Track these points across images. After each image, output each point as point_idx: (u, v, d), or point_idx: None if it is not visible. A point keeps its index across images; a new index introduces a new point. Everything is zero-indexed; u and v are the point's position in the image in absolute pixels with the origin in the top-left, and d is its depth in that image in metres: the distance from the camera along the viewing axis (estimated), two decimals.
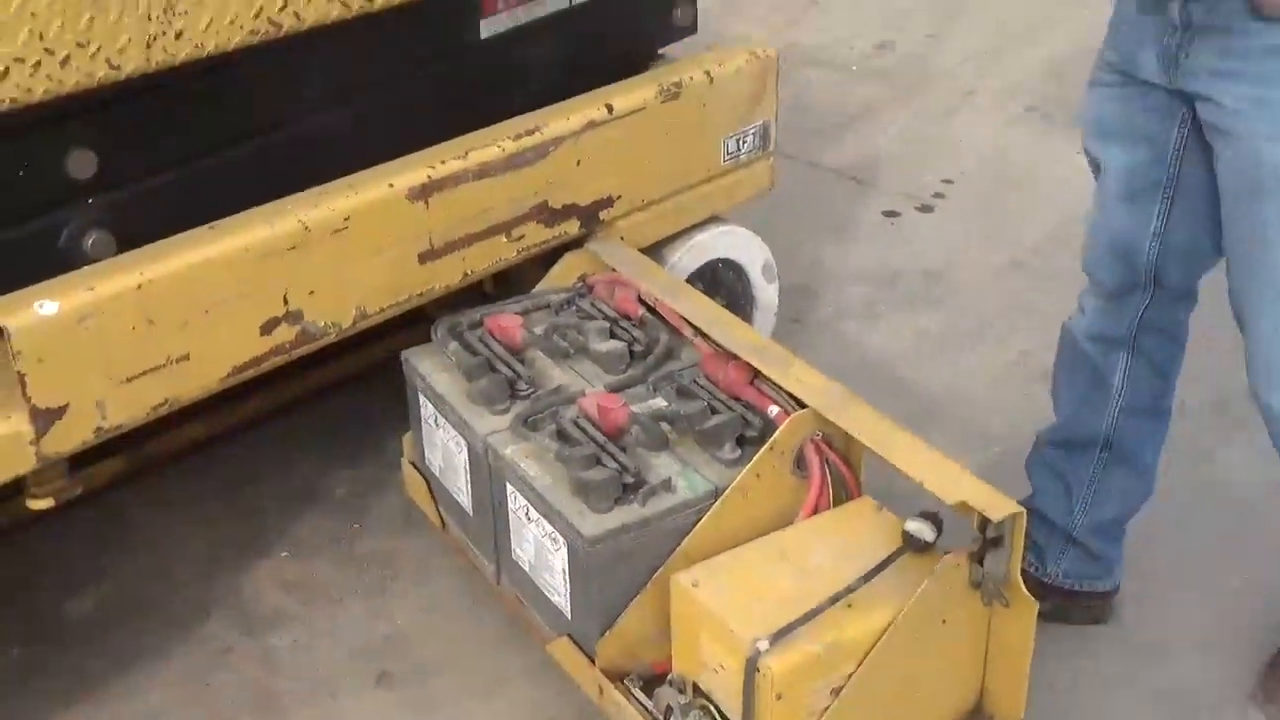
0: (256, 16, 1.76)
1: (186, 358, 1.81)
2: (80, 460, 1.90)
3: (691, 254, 2.45)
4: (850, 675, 1.65)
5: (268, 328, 1.88)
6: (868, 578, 1.70)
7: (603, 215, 2.26)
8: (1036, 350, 2.67)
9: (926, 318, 2.95)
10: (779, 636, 1.62)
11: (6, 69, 1.56)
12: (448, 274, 2.08)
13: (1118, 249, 1.94)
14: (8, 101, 1.58)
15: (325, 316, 1.94)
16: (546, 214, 2.17)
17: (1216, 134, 1.74)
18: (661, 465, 1.86)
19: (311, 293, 1.91)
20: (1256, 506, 2.36)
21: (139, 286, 1.73)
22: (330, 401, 2.55)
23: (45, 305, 1.67)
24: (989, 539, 1.67)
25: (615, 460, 1.82)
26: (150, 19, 1.66)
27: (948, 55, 4.28)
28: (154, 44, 1.68)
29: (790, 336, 2.78)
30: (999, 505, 1.67)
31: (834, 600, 1.67)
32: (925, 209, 3.41)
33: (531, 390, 1.98)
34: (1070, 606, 2.12)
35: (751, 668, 1.62)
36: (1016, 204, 3.35)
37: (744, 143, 2.45)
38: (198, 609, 2.18)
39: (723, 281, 2.57)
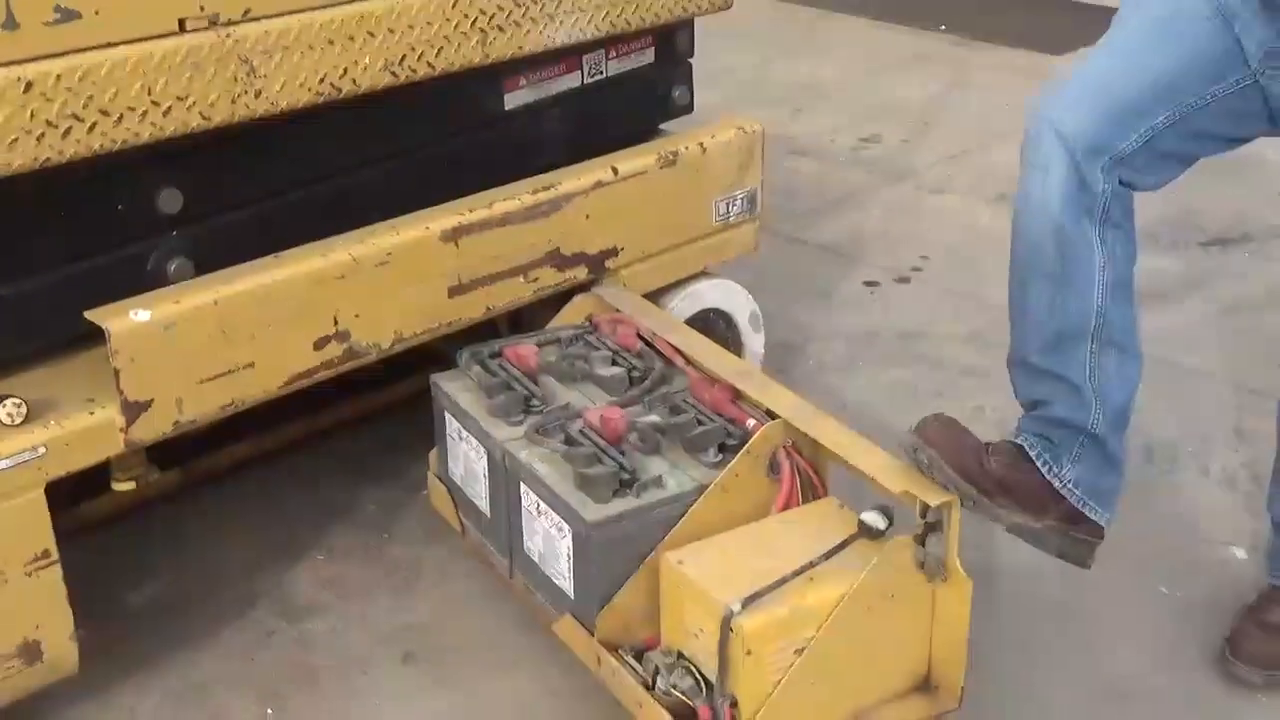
0: (321, 81, 2.11)
1: (251, 365, 2.12)
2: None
3: (686, 302, 2.78)
4: (811, 638, 1.94)
5: (319, 344, 2.20)
6: (828, 556, 1.99)
7: (608, 264, 2.59)
8: (989, 405, 2.97)
9: (899, 372, 3.26)
10: (750, 600, 1.91)
11: (121, 115, 1.90)
12: (472, 308, 2.40)
13: (1119, 100, 1.94)
14: (120, 143, 1.92)
15: (368, 337, 2.26)
16: (559, 260, 2.51)
17: None
18: (654, 466, 2.17)
19: (357, 316, 2.23)
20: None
21: (215, 302, 2.06)
22: (361, 431, 2.87)
23: (139, 313, 1.99)
24: (929, 523, 1.98)
25: (614, 460, 2.13)
26: (236, 80, 2.01)
27: (926, 151, 4.66)
28: (238, 100, 2.02)
29: (780, 375, 3.09)
30: (937, 494, 1.98)
31: (798, 574, 1.96)
32: (902, 280, 3.74)
33: (543, 406, 2.30)
34: (1066, 531, 2.11)
35: (726, 627, 1.91)
36: (983, 279, 3.69)
37: (733, 206, 2.79)
38: (243, 600, 2.46)
39: (714, 329, 2.88)
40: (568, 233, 2.50)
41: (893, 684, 2.08)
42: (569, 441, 2.19)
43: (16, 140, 1.81)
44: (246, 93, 2.03)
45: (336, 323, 2.21)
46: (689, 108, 2.90)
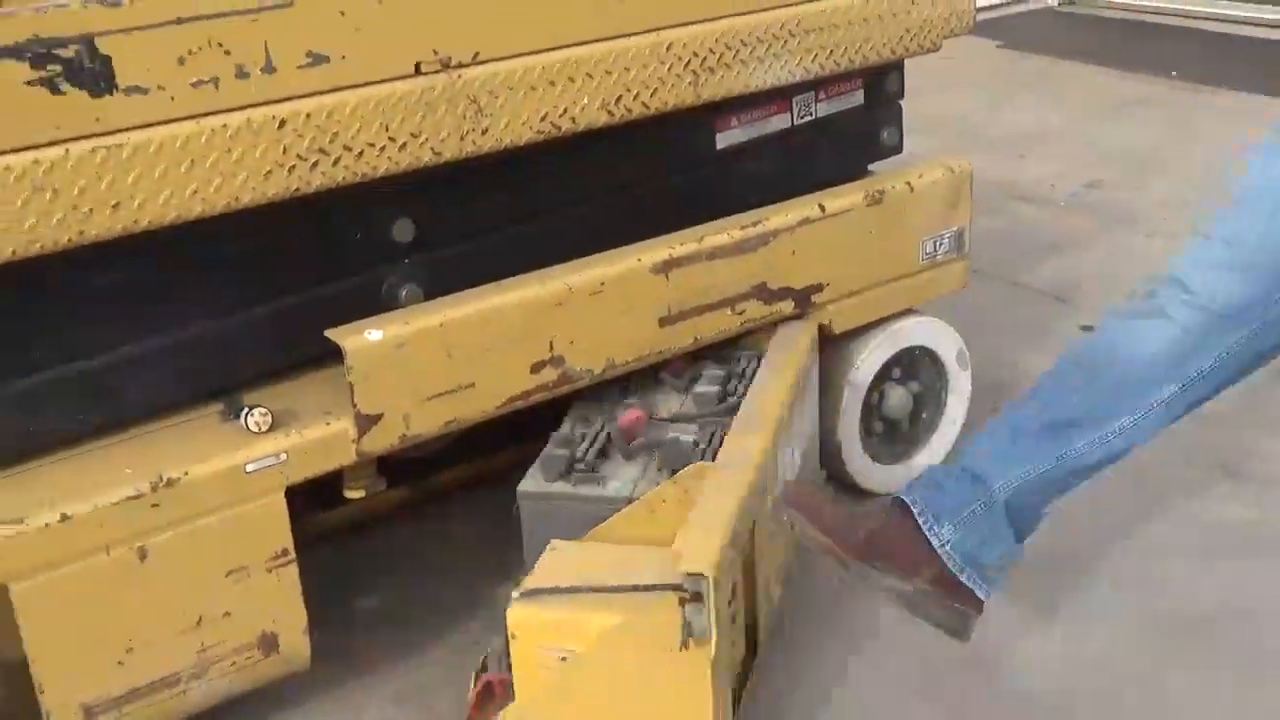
0: (542, 120, 2.25)
1: (472, 386, 2.27)
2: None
3: (892, 339, 2.82)
4: (573, 652, 1.96)
5: (536, 368, 2.33)
6: (633, 589, 1.96)
7: (814, 298, 2.66)
8: (1207, 445, 2.91)
9: None
10: (533, 593, 2.00)
11: (361, 151, 2.08)
12: (681, 338, 2.50)
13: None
14: (360, 176, 2.10)
15: (582, 363, 2.38)
16: (765, 294, 2.59)
17: None
18: (621, 471, 2.28)
19: (572, 342, 2.35)
20: None
21: (441, 325, 2.21)
22: None
23: (373, 333, 2.16)
24: (688, 591, 1.90)
25: (584, 450, 2.27)
26: (464, 118, 2.16)
27: (1150, 197, 4.57)
28: (466, 137, 2.18)
29: (988, 411, 3.10)
30: (704, 562, 1.91)
31: (595, 590, 1.99)
32: None
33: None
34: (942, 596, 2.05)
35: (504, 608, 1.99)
36: None
37: (940, 245, 2.82)
38: (461, 613, 2.61)
39: (920, 367, 2.92)
40: (775, 267, 2.58)
41: None
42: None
43: (270, 172, 2.00)
44: (474, 130, 2.18)
45: (552, 348, 2.34)
46: (898, 148, 2.95)
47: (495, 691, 2.16)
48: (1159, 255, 4.09)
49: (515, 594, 2.01)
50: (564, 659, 1.98)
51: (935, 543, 2.04)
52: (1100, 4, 7.45)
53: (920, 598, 2.05)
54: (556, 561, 2.11)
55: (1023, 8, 7.42)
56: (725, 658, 2.05)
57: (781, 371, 2.51)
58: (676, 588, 1.92)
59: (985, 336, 3.05)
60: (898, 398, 2.89)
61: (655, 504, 2.17)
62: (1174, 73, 5.97)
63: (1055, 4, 7.56)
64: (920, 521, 2.05)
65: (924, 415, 2.97)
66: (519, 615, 2.00)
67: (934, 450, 2.97)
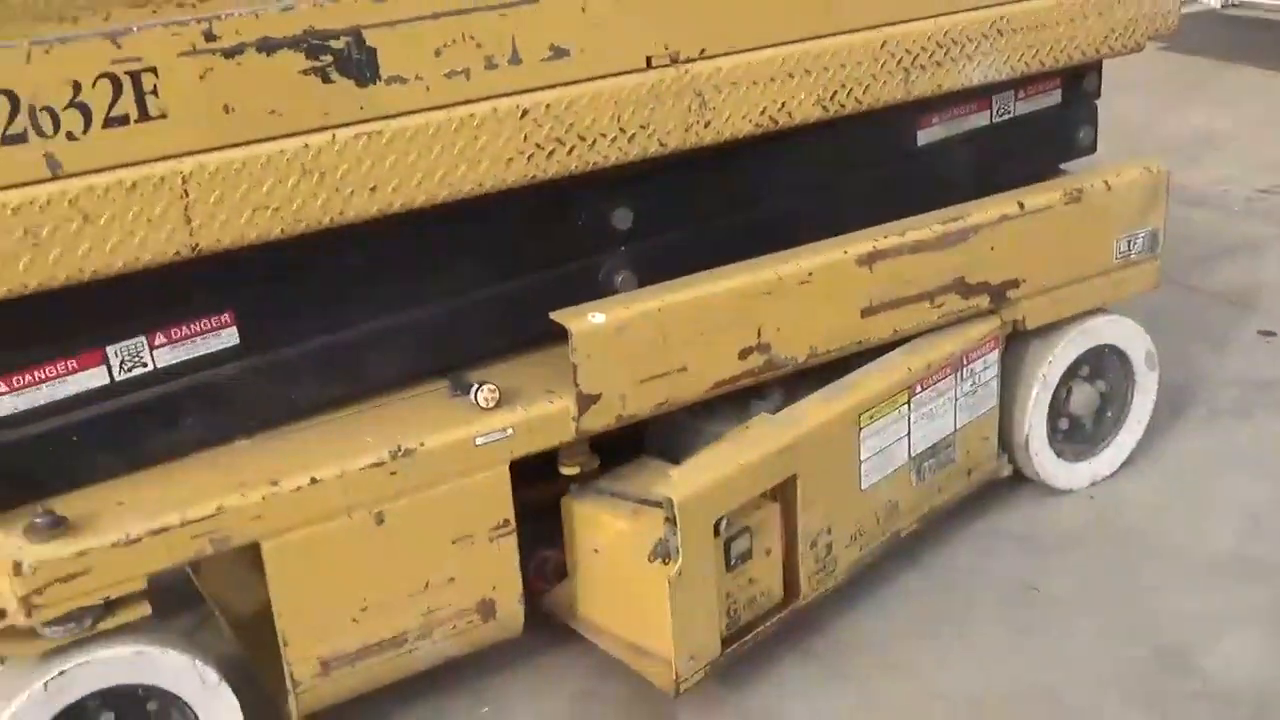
0: (761, 114, 2.32)
1: (684, 369, 2.35)
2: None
3: (1084, 337, 2.84)
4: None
5: (744, 354, 2.40)
6: (642, 502, 2.32)
7: (1009, 294, 2.70)
8: None
9: None
10: (583, 490, 2.41)
11: (594, 140, 2.17)
12: (881, 329, 2.56)
13: None
14: (590, 164, 2.19)
15: (786, 350, 2.45)
16: (964, 288, 2.63)
17: None
18: None
19: (778, 330, 2.42)
20: None
21: (659, 310, 2.30)
22: None
23: (596, 316, 2.25)
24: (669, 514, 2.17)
25: None
26: (690, 110, 2.25)
27: None
28: (690, 129, 2.26)
29: (1169, 425, 3.12)
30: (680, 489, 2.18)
31: (621, 496, 2.36)
32: None
33: None
34: None
35: None
36: None
37: (1134, 244, 2.84)
38: None
39: (1108, 366, 2.94)
40: (973, 262, 2.62)
41: None
42: None
43: (511, 160, 2.11)
44: (698, 122, 2.26)
45: (760, 335, 2.41)
46: (1092, 148, 2.97)
47: (551, 565, 2.47)
48: None
49: (573, 486, 2.34)
50: (596, 552, 2.35)
51: None
52: (1265, 7, 7.31)
53: None
54: (633, 470, 2.43)
55: (1186, 10, 7.30)
56: (700, 582, 2.26)
57: (908, 355, 2.59)
58: (664, 508, 2.20)
59: (1161, 338, 3.06)
60: (1085, 395, 2.90)
61: (723, 443, 2.37)
62: None
63: (1218, 6, 7.44)
64: None
65: (1109, 414, 2.98)
66: (569, 505, 2.38)
67: (1119, 448, 2.98)
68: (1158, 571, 2.68)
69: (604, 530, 2.35)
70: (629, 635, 2.38)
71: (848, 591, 2.61)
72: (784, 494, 2.40)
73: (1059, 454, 2.91)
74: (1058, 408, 2.89)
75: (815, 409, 2.44)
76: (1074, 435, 2.95)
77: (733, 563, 2.32)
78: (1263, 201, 4.57)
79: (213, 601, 2.55)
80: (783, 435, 2.38)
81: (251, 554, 2.14)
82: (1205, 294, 3.90)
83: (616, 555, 2.34)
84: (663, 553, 2.22)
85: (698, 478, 2.25)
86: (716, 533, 2.27)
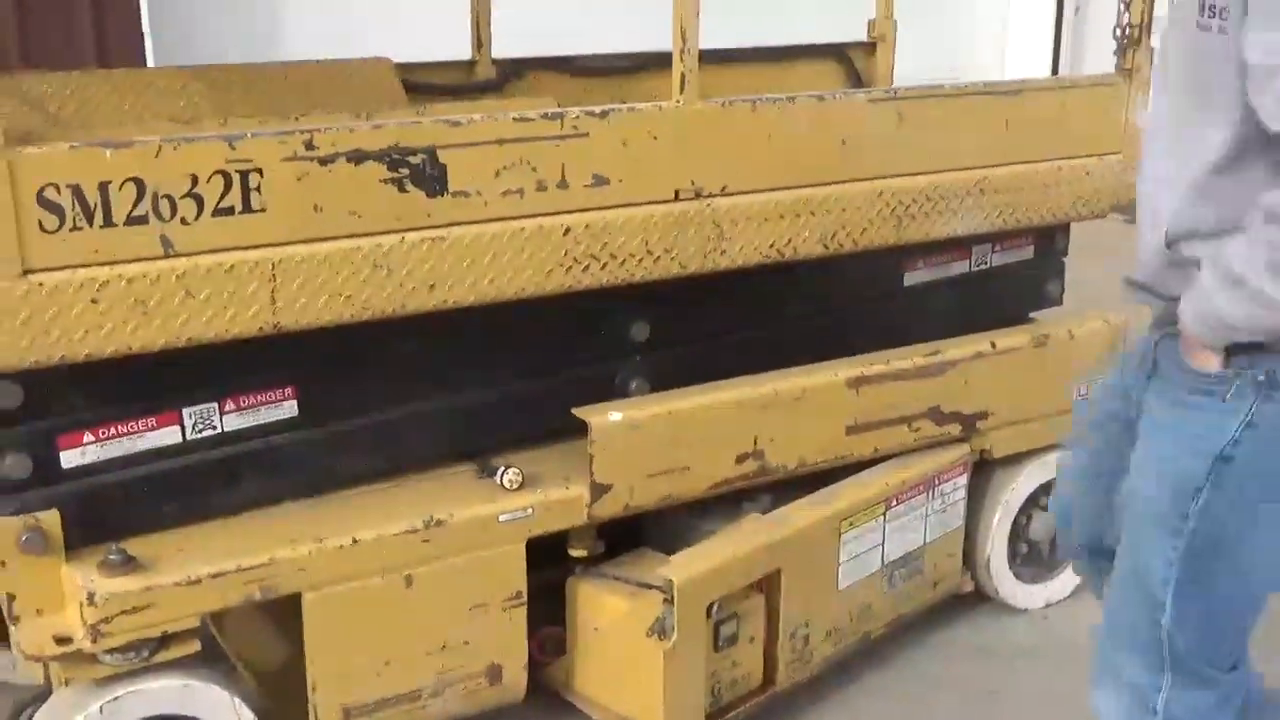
0: (770, 247, 2.63)
1: (687, 469, 2.62)
2: None
3: (1044, 469, 3.12)
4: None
5: (740, 459, 2.68)
6: (640, 585, 2.58)
7: (979, 424, 2.99)
8: None
9: None
10: (587, 573, 2.66)
11: (624, 259, 2.47)
12: (863, 446, 2.84)
13: None
14: (618, 280, 2.48)
15: (779, 458, 2.72)
16: (939, 416, 2.92)
17: None
18: None
19: (772, 440, 2.70)
20: None
21: (669, 413, 2.58)
22: None
23: (614, 414, 2.53)
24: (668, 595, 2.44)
25: None
26: (708, 239, 2.55)
27: None
28: (707, 256, 2.56)
29: None
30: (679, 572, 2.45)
31: (621, 579, 2.61)
32: None
33: None
34: None
35: None
36: None
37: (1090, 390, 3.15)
38: None
39: None
40: (948, 393, 2.92)
41: None
42: None
43: (551, 271, 2.40)
44: (715, 250, 2.57)
45: (756, 443, 2.69)
46: (1059, 300, 3.30)
47: (552, 641, 2.70)
48: None
49: (578, 569, 2.59)
50: (595, 629, 2.59)
51: None
52: None
53: None
54: (633, 559, 2.68)
55: None
56: (691, 659, 2.52)
57: (886, 472, 2.86)
58: (663, 590, 2.45)
59: None
60: (1043, 522, 3.18)
61: (718, 537, 2.64)
62: None
63: None
64: None
65: None
66: (574, 585, 2.62)
67: (1071, 575, 3.25)
68: None
69: (605, 610, 2.60)
70: (621, 709, 2.61)
71: (820, 689, 2.85)
72: (769, 587, 2.66)
73: (1017, 576, 3.18)
74: (1018, 533, 3.16)
75: (801, 513, 2.71)
76: (1032, 559, 3.22)
77: (720, 645, 2.57)
78: None
79: (235, 656, 2.76)
80: (771, 533, 2.65)
81: (276, 614, 2.39)
82: None
83: (615, 633, 2.58)
84: (659, 629, 2.47)
85: (695, 564, 2.52)
86: (708, 615, 2.52)
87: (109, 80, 2.88)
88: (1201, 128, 1.81)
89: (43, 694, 2.39)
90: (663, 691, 2.49)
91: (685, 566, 2.50)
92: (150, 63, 5.12)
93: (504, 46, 3.28)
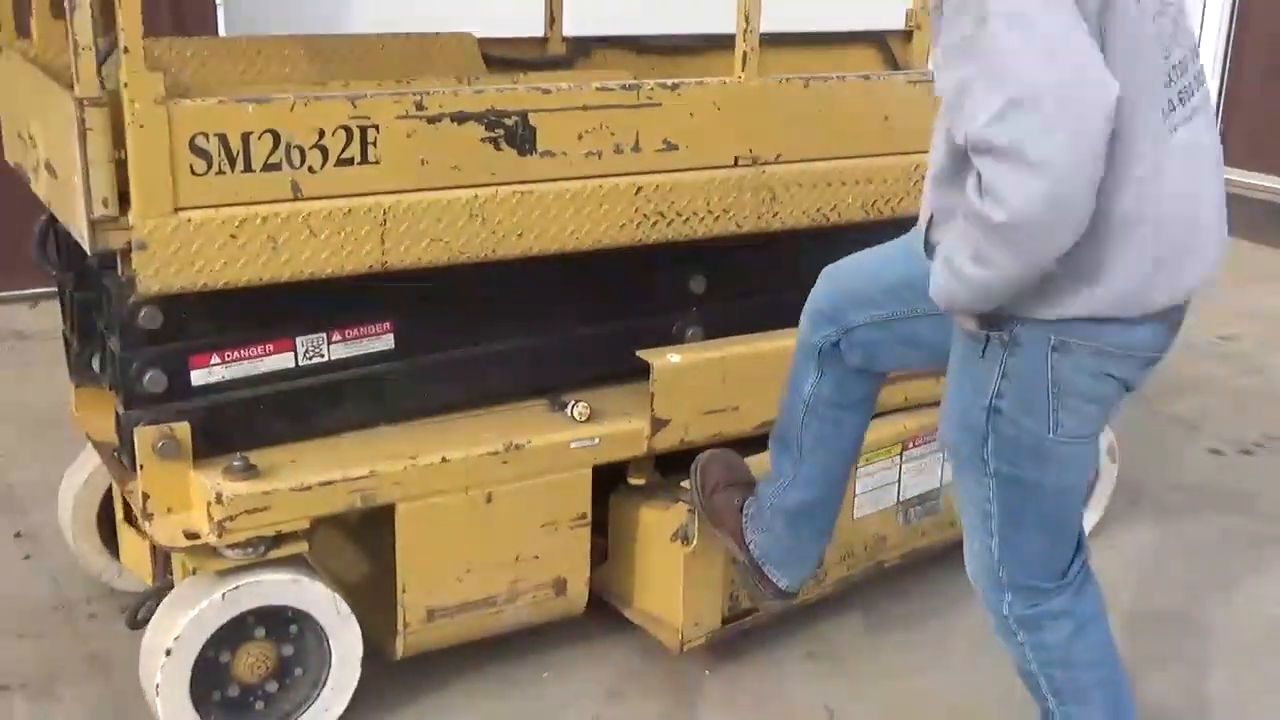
0: (817, 211, 2.92)
1: (737, 409, 2.91)
2: None
3: None
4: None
5: None
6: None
7: None
8: None
9: (1233, 519, 3.78)
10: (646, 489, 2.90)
11: (688, 218, 2.76)
12: (893, 396, 3.09)
13: (859, 288, 2.50)
14: (683, 236, 2.77)
15: None
16: None
17: None
18: None
19: None
20: None
21: (722, 358, 2.87)
22: None
23: (674, 356, 2.82)
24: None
25: None
26: (762, 202, 2.84)
27: None
28: (761, 217, 2.85)
29: (1124, 515, 3.68)
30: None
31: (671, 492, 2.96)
32: (1246, 453, 4.24)
33: None
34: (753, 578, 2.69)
35: None
36: None
37: None
38: None
39: None
40: None
41: None
42: None
43: (624, 225, 2.69)
44: (768, 212, 2.86)
45: None
46: None
47: (597, 551, 2.93)
48: None
49: (620, 488, 2.93)
50: (632, 539, 2.93)
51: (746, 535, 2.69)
52: (1239, 185, 8.02)
53: (741, 570, 2.74)
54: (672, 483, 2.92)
55: None
56: (710, 564, 2.84)
57: (907, 416, 3.13)
58: (688, 502, 2.78)
59: (1124, 448, 3.62)
60: None
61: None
62: None
63: None
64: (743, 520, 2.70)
65: None
66: (618, 501, 2.95)
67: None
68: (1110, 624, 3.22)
69: (640, 521, 2.91)
70: (649, 606, 2.94)
71: (842, 611, 3.15)
72: None
73: None
74: None
75: None
76: None
77: None
78: (1220, 346, 5.20)
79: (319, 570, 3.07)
80: None
81: (359, 529, 2.69)
82: (1166, 416, 4.49)
83: (646, 540, 2.90)
84: (683, 535, 2.79)
85: None
86: None
87: (224, 46, 3.19)
88: (938, 134, 2.18)
89: (162, 589, 2.71)
90: (683, 591, 2.82)
91: None
92: (221, 34, 5.41)
93: (573, 26, 3.57)
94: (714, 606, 2.90)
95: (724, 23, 3.48)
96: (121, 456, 2.64)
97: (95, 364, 2.84)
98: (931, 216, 2.25)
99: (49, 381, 4.29)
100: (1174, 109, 2.02)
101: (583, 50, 3.53)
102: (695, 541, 2.78)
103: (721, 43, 3.46)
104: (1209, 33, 7.84)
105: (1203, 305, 5.48)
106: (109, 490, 3.09)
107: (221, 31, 5.45)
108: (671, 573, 2.84)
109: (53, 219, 2.81)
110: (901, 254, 2.41)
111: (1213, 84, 7.81)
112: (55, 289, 3.05)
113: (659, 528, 2.87)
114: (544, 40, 3.54)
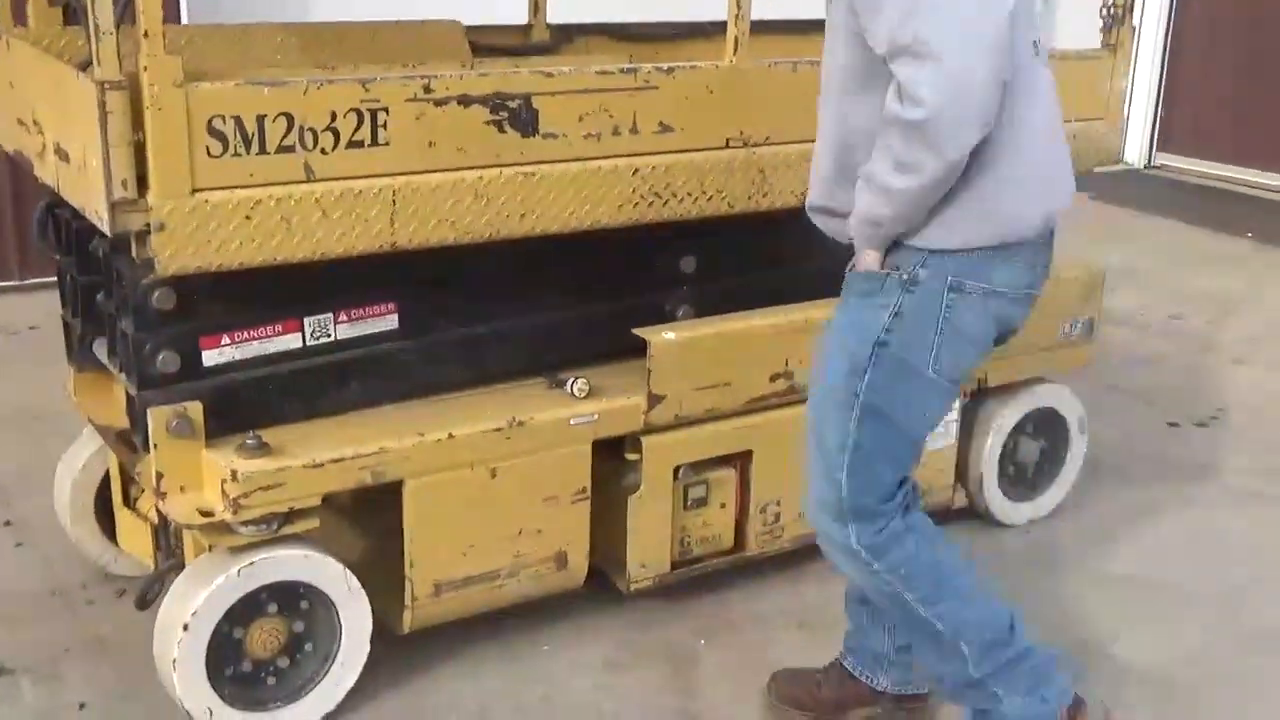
0: (804, 191, 3.00)
1: (728, 384, 2.99)
2: None
3: (1033, 397, 3.54)
4: None
5: (773, 378, 3.05)
6: None
7: None
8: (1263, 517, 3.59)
9: (1194, 489, 3.92)
10: None
11: (682, 198, 2.84)
12: None
13: None
14: (676, 216, 2.84)
15: (806, 379, 3.09)
16: None
17: None
18: None
19: (800, 362, 3.06)
20: None
21: (715, 334, 2.95)
22: None
23: (669, 334, 2.90)
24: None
25: None
26: (752, 183, 2.92)
27: (1229, 331, 5.32)
28: (751, 198, 2.93)
29: (1091, 485, 3.81)
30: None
31: None
32: (1201, 425, 4.40)
33: None
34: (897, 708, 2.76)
35: None
36: (1274, 430, 4.32)
37: (1075, 327, 3.55)
38: None
39: (1048, 425, 3.63)
40: None
41: None
42: None
43: (622, 205, 2.76)
44: (758, 193, 2.94)
45: (786, 364, 3.06)
46: None
47: None
48: (1235, 377, 4.82)
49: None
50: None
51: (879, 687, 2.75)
52: (1177, 170, 8.24)
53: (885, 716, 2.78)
54: None
55: (1112, 168, 8.22)
56: (657, 510, 2.97)
57: None
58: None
59: (1088, 424, 3.75)
60: (1029, 448, 3.59)
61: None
62: (1249, 234, 6.73)
63: (1140, 166, 8.36)
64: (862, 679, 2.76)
65: (1046, 466, 3.67)
66: None
67: (1053, 496, 3.67)
68: (1077, 584, 3.35)
69: (598, 472, 2.95)
70: (610, 549, 3.02)
71: (831, 583, 3.23)
72: (742, 465, 3.10)
73: (1005, 494, 3.59)
74: (1007, 456, 3.57)
75: (780, 411, 3.08)
76: (1018, 480, 3.63)
77: (688, 504, 3.03)
78: (1172, 324, 5.37)
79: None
80: (742, 420, 3.05)
81: (356, 512, 2.75)
82: (1123, 392, 4.63)
83: (603, 488, 2.95)
84: (631, 484, 2.91)
85: (664, 435, 2.95)
86: (675, 476, 2.97)
87: (217, 33, 3.21)
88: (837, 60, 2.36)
89: (171, 570, 2.74)
90: (629, 533, 2.96)
91: (656, 437, 2.93)
92: (184, 21, 5.40)
93: (555, 14, 3.63)
94: (662, 551, 3.03)
95: (702, 11, 3.58)
96: (134, 437, 2.67)
97: (97, 348, 2.87)
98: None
99: (29, 374, 4.31)
100: (1036, 53, 2.31)
101: (566, 37, 3.60)
102: (641, 489, 2.91)
103: (703, 30, 3.56)
104: (1150, 16, 8.02)
105: (1152, 287, 5.71)
106: (105, 475, 3.12)
107: (184, 19, 5.44)
108: (620, 517, 2.96)
109: (51, 204, 2.83)
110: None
111: (1153, 70, 8.02)
112: (24, 283, 3.07)
113: (613, 477, 2.97)
114: (528, 27, 3.61)
